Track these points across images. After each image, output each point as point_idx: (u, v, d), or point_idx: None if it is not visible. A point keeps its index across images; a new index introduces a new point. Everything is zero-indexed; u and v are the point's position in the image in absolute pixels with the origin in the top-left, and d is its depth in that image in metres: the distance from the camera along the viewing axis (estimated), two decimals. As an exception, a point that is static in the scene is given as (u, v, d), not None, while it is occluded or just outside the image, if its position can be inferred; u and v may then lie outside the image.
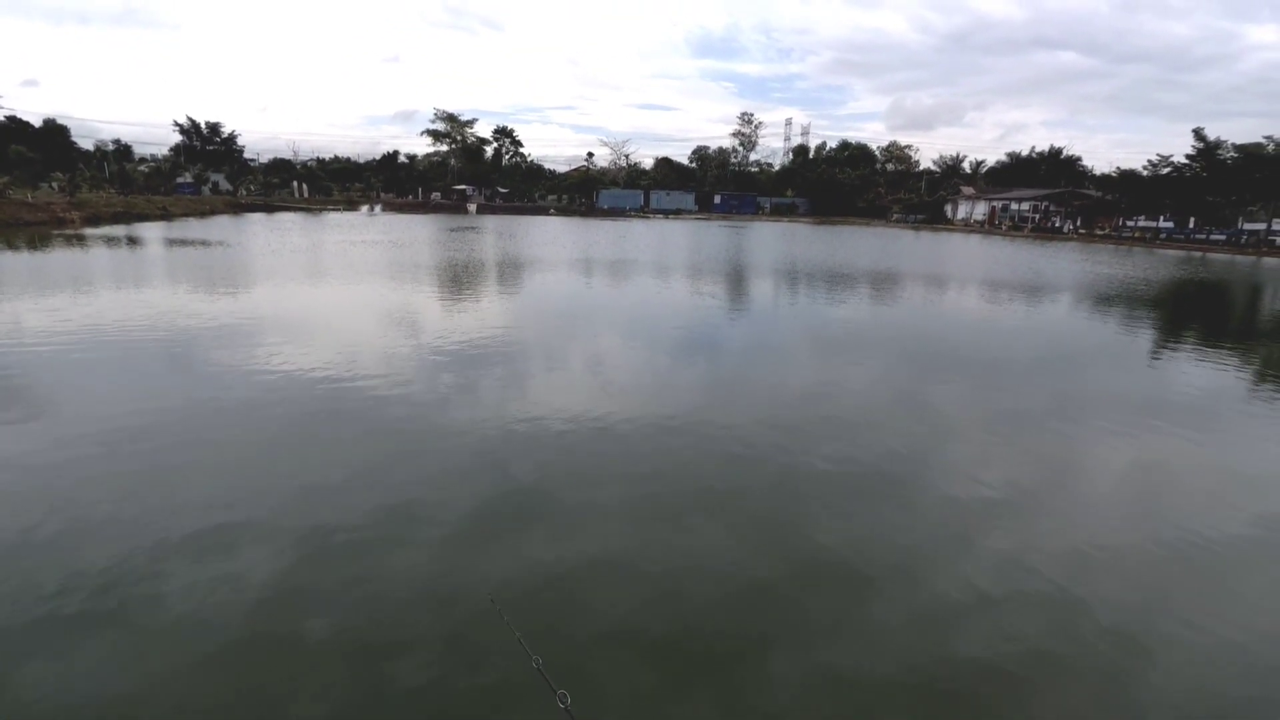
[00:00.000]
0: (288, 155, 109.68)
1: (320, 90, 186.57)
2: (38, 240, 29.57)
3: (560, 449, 6.85)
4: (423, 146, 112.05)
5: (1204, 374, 11.51)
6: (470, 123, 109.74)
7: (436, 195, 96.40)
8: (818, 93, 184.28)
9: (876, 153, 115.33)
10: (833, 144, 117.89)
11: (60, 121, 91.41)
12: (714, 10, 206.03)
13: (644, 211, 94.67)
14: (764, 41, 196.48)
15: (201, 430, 7.09)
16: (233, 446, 6.69)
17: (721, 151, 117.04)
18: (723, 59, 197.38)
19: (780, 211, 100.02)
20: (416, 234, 41.79)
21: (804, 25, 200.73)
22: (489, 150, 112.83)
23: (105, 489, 5.68)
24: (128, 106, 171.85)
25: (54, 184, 61.64)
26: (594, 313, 15.87)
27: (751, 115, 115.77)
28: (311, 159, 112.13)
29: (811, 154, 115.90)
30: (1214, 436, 8.32)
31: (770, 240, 47.75)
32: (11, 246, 26.66)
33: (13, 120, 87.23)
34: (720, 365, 11.04)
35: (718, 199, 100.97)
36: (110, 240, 30.83)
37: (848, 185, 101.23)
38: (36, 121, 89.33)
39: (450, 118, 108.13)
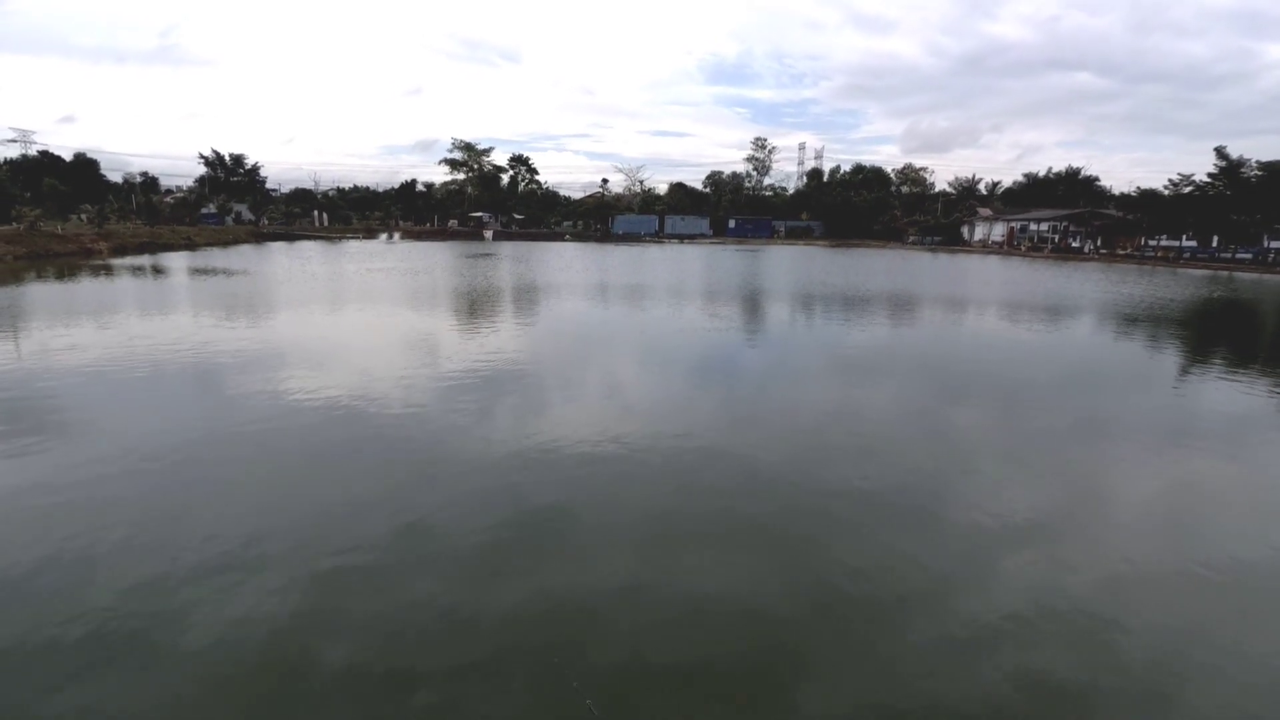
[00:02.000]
0: (309, 185, 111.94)
1: (343, 122, 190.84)
2: (66, 270, 30.27)
3: (578, 474, 6.80)
4: (440, 175, 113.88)
5: (1234, 395, 11.25)
6: (487, 151, 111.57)
7: (454, 223, 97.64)
8: (831, 117, 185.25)
9: (891, 175, 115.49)
10: (847, 167, 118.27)
11: (91, 155, 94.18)
12: (727, 38, 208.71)
13: (659, 236, 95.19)
14: (776, 68, 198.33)
15: (219, 456, 7.13)
16: (251, 473, 6.71)
17: (735, 176, 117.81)
18: (735, 85, 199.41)
19: (795, 234, 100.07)
20: (434, 261, 42.26)
21: (816, 51, 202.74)
22: (505, 178, 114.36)
23: (123, 514, 5.70)
24: (157, 140, 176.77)
25: (83, 216, 63.20)
26: (610, 338, 15.88)
27: (765, 140, 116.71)
28: (332, 188, 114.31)
29: (826, 177, 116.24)
30: (1246, 459, 8.10)
31: (786, 263, 47.74)
32: (41, 276, 27.29)
33: (45, 155, 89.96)
34: (738, 389, 10.97)
35: (732, 223, 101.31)
36: (136, 270, 31.48)
37: (863, 208, 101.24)
38: (68, 156, 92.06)
39: (468, 147, 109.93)
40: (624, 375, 11.75)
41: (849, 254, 65.31)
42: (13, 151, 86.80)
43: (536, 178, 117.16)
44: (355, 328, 16.27)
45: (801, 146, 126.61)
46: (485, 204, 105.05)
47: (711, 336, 15.84)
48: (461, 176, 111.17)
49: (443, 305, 20.87)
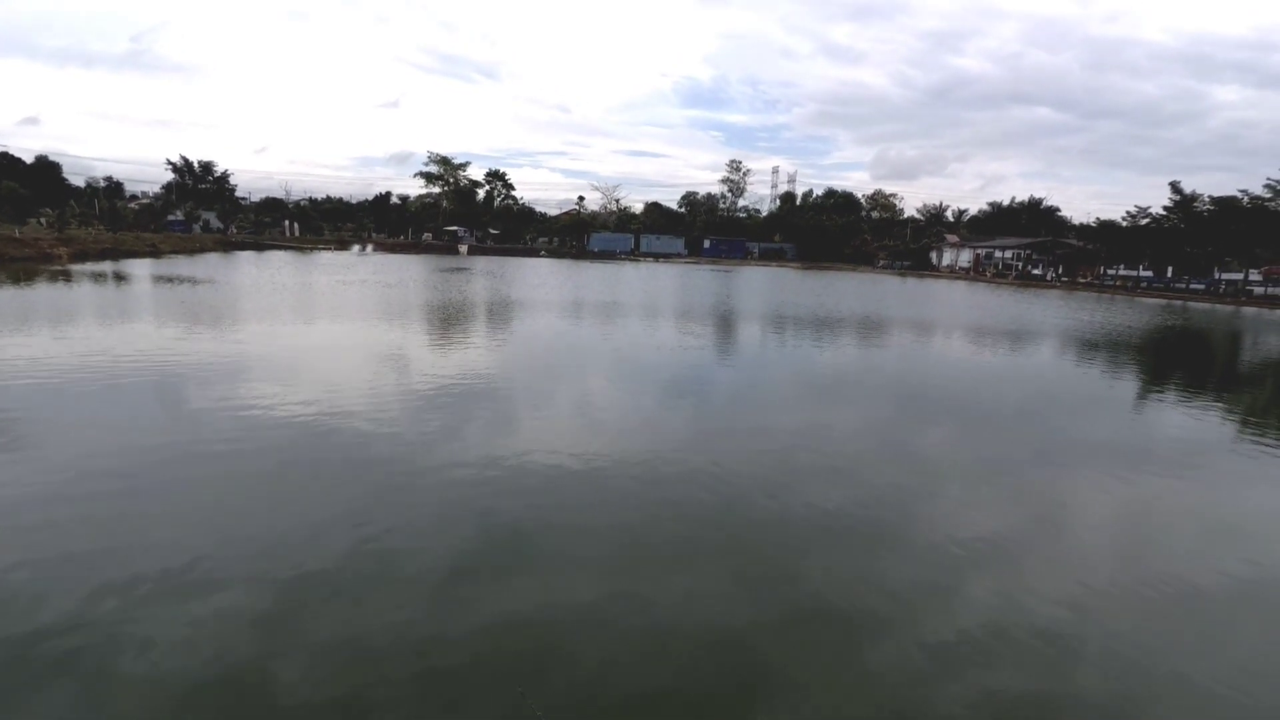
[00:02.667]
0: (280, 195, 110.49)
1: (317, 132, 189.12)
2: (22, 275, 29.39)
3: (545, 493, 6.75)
4: (415, 188, 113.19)
5: (1188, 420, 11.59)
6: (463, 166, 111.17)
7: (428, 236, 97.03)
8: (803, 143, 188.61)
9: (862, 200, 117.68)
10: (819, 191, 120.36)
11: (55, 159, 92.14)
12: (701, 63, 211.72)
13: (634, 255, 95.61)
14: (750, 93, 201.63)
15: (178, 470, 6.95)
16: (211, 488, 6.55)
17: (710, 197, 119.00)
18: (711, 109, 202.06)
19: (768, 256, 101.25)
20: (407, 274, 41.90)
21: (788, 79, 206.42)
22: (481, 193, 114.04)
23: (76, 530, 5.52)
24: (124, 146, 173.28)
25: (43, 220, 61.55)
26: (582, 355, 15.86)
27: (739, 163, 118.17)
28: (304, 199, 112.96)
29: (798, 201, 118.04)
30: (1200, 482, 8.34)
31: (759, 284, 48.24)
32: (-4, 282, 26.45)
33: (4, 157, 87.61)
34: (709, 409, 11.01)
35: (707, 243, 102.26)
36: (96, 276, 30.70)
37: (834, 231, 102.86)
38: (29, 158, 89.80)
39: (444, 160, 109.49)
40: (595, 393, 11.73)
41: (821, 276, 66.23)
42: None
43: (513, 193, 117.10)
44: (323, 341, 16.02)
45: (775, 170, 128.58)
46: (461, 218, 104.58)
47: (684, 355, 15.92)
48: (437, 190, 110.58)
49: (415, 320, 20.67)
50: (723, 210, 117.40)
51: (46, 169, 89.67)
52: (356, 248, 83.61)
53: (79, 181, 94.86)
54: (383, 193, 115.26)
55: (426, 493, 6.63)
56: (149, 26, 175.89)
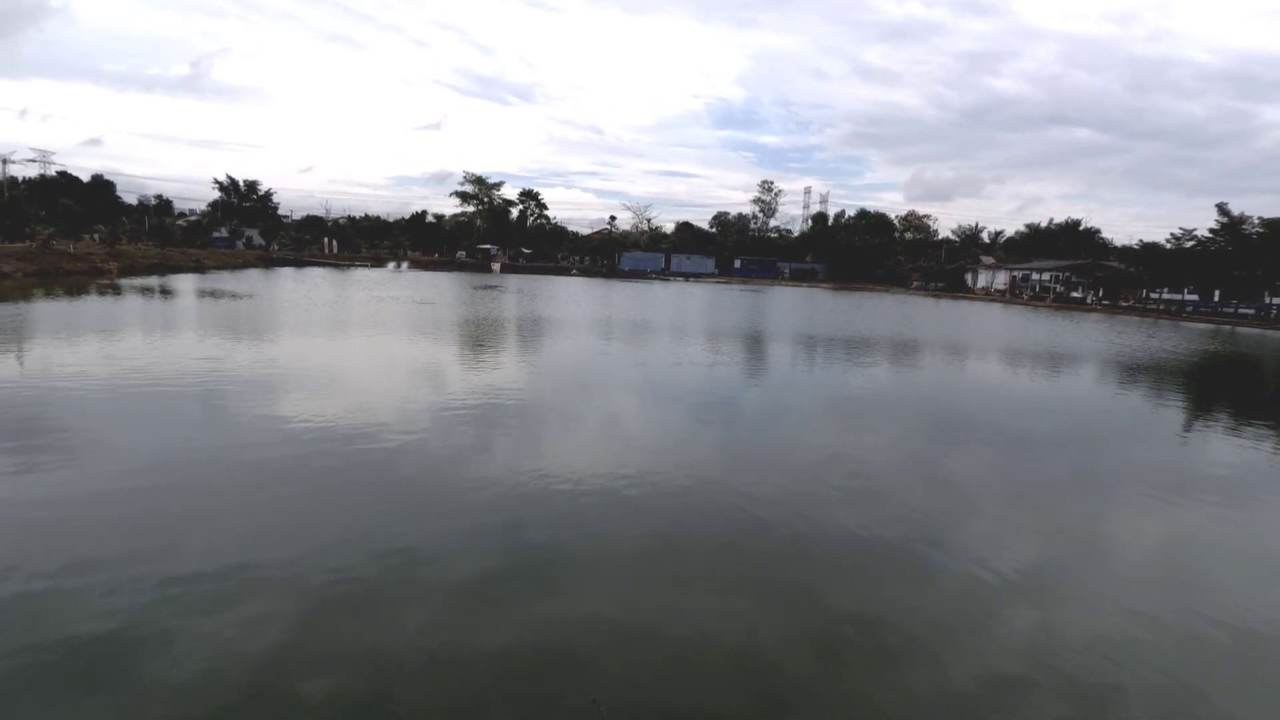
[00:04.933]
0: (320, 213, 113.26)
1: (359, 153, 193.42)
2: (75, 289, 30.49)
3: (573, 510, 6.74)
4: (451, 207, 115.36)
5: (1238, 451, 11.18)
6: (498, 185, 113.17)
7: (462, 254, 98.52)
8: (836, 163, 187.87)
9: (895, 221, 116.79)
10: (851, 212, 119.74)
11: (110, 178, 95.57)
12: (733, 84, 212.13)
13: (665, 274, 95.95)
14: (783, 114, 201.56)
15: (212, 480, 7.09)
16: (245, 499, 6.67)
17: (741, 217, 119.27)
18: (743, 130, 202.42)
19: (800, 277, 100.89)
20: (441, 291, 42.54)
21: (822, 100, 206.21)
22: (514, 212, 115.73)
23: (114, 536, 5.65)
24: (176, 165, 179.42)
25: (95, 235, 63.88)
26: (612, 373, 15.90)
27: (771, 183, 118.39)
28: (343, 217, 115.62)
29: (831, 221, 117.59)
30: (1249, 515, 8.01)
31: (791, 305, 48.01)
32: (49, 294, 27.49)
33: (63, 175, 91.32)
34: (738, 429, 10.93)
35: (738, 263, 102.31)
36: (143, 290, 31.71)
37: (867, 252, 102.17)
38: (85, 177, 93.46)
39: (479, 180, 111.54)
40: (624, 411, 11.72)
41: (853, 297, 65.67)
42: (32, 171, 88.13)
43: (545, 213, 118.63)
44: (357, 357, 16.30)
45: (807, 191, 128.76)
46: (494, 237, 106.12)
47: (712, 374, 15.86)
48: (471, 209, 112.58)
49: (447, 337, 20.94)
50: (754, 230, 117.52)
51: (102, 187, 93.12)
52: (392, 265, 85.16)
53: (131, 199, 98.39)
54: (419, 211, 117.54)
55: (455, 507, 6.66)
56: (208, 52, 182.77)
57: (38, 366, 12.48)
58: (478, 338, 20.88)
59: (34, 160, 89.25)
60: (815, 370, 18.12)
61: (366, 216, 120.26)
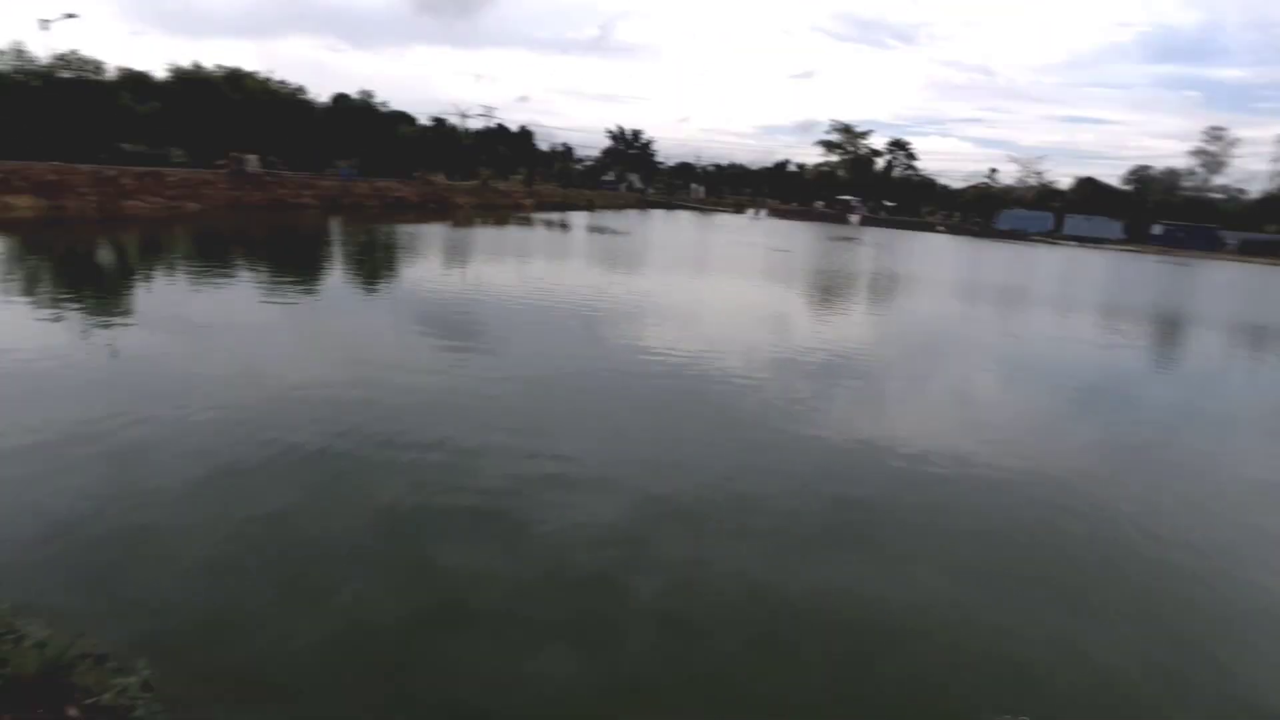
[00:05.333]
0: (691, 160, 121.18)
1: (731, 102, 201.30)
2: (502, 219, 37.49)
3: (898, 480, 6.16)
4: (814, 156, 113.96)
5: None
6: (865, 134, 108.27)
7: (820, 204, 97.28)
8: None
9: None
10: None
11: (531, 129, 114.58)
12: (1185, 5, 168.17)
13: (1053, 236, 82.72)
14: (1256, 39, 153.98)
15: (576, 386, 8.10)
16: (600, 408, 7.46)
17: (1171, 173, 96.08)
18: (1189, 63, 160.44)
19: (1254, 251, 76.71)
20: (796, 241, 42.56)
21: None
22: (880, 162, 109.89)
23: (502, 418, 6.74)
24: (581, 116, 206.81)
25: (518, 177, 77.45)
26: (957, 344, 14.20)
27: (1223, 130, 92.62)
28: (711, 164, 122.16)
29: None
30: None
31: (1231, 287, 37.65)
32: (484, 223, 34.20)
33: (500, 127, 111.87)
34: (1108, 422, 8.87)
35: (1158, 228, 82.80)
36: (549, 224, 37.61)
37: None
38: (514, 128, 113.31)
39: (846, 129, 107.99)
40: (972, 387, 10.41)
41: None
42: (478, 124, 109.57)
43: (914, 164, 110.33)
44: (714, 297, 17.17)
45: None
46: (855, 188, 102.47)
47: (1096, 361, 13.17)
48: (835, 159, 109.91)
49: (799, 286, 20.90)
50: (1188, 189, 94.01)
51: (524, 137, 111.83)
52: (751, 212, 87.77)
53: (545, 146, 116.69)
54: (781, 160, 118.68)
55: (789, 459, 6.56)
56: (614, 14, 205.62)
57: (475, 281, 15.58)
58: (828, 289, 20.43)
59: (482, 115, 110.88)
60: (1257, 375, 13.94)
61: (732, 165, 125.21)
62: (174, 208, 27.13)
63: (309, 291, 13.42)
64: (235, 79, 51.67)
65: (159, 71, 50.13)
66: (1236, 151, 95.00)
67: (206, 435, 5.77)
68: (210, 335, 9.36)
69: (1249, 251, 76.35)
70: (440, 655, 3.46)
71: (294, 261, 18.37)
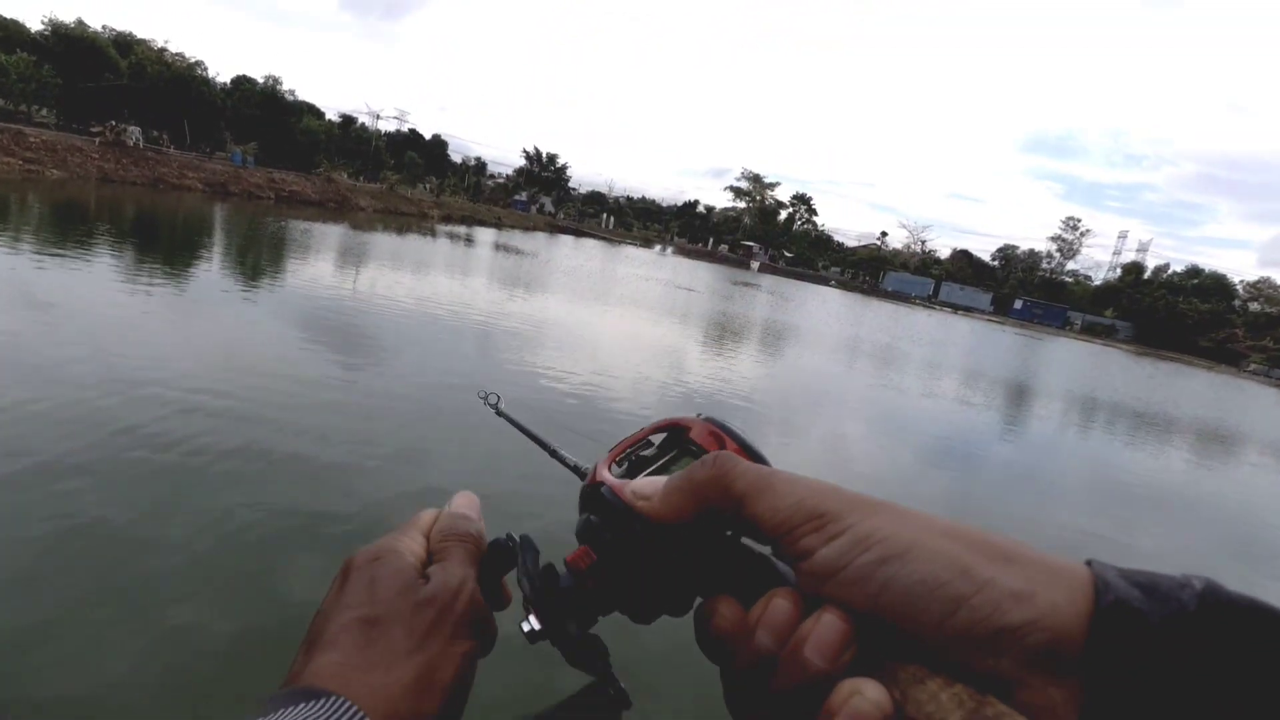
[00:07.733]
0: (604, 190, 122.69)
1: (651, 143, 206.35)
2: (405, 227, 36.39)
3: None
4: (722, 200, 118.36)
5: None
6: (773, 185, 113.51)
7: (724, 247, 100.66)
8: (1167, 208, 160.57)
9: (1238, 288, 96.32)
10: (1178, 267, 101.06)
11: (444, 137, 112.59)
12: (1057, 111, 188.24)
13: (931, 301, 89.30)
14: (1109, 145, 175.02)
15: (440, 406, 7.96)
16: (480, 433, 7.37)
17: (1033, 254, 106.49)
18: (1054, 157, 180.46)
19: (1093, 331, 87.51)
20: (699, 280, 43.76)
21: (1165, 133, 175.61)
22: (783, 214, 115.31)
23: (385, 431, 6.54)
24: (496, 133, 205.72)
25: (427, 185, 75.65)
26: (845, 394, 15.10)
27: (1078, 221, 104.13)
28: (623, 196, 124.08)
29: (1147, 274, 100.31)
30: None
31: (1078, 363, 41.92)
32: (386, 230, 33.11)
33: (413, 133, 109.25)
34: (970, 481, 9.73)
35: (1019, 304, 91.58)
36: (452, 236, 36.82)
37: (1191, 318, 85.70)
38: (427, 135, 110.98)
39: (755, 178, 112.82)
40: (847, 437, 11.05)
41: (1159, 366, 55.53)
42: (390, 126, 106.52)
43: (814, 219, 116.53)
44: (612, 328, 17.34)
45: (1122, 235, 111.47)
46: (758, 235, 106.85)
47: (956, 419, 14.32)
48: (742, 205, 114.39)
49: (697, 323, 21.47)
50: (1045, 271, 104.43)
51: (437, 145, 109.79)
52: (658, 247, 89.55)
53: (457, 158, 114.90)
54: (691, 200, 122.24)
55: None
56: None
57: (366, 288, 15.03)
58: (724, 333, 21.11)
59: (396, 118, 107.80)
60: (1086, 441, 15.55)
61: (643, 199, 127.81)
62: (32, 172, 24.71)
63: (178, 280, 12.55)
64: (125, 44, 48.02)
65: (34, 23, 45.92)
66: (1087, 241, 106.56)
67: (24, 429, 5.25)
68: (52, 317, 8.54)
69: (1089, 331, 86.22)
70: (278, 676, 3.28)
71: (166, 246, 17.15)
